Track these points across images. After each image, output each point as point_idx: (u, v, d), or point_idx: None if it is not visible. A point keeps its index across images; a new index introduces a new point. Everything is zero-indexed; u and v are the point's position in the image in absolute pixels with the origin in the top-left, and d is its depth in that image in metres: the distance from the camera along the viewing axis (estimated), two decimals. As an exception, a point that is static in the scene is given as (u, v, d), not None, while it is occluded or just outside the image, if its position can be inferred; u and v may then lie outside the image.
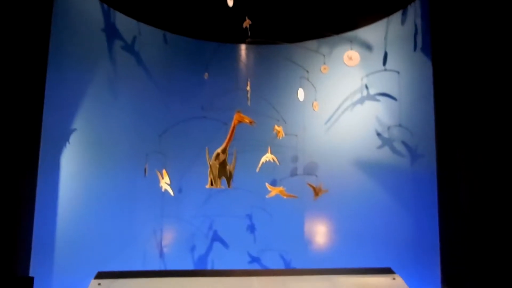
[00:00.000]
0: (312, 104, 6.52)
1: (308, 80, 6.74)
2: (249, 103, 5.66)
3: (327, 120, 7.11)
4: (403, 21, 6.58)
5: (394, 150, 6.57)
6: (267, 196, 6.16)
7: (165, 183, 5.85)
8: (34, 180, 5.31)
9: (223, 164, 5.08)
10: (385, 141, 6.64)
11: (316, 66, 6.86)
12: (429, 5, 5.92)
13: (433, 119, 6.08)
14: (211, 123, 6.55)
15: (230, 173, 5.19)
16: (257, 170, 5.89)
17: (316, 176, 6.69)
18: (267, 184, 6.28)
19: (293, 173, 6.97)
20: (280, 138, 6.08)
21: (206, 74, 6.40)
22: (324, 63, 6.61)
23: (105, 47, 6.53)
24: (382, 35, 6.73)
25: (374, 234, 6.47)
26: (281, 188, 6.24)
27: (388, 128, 6.61)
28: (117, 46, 6.62)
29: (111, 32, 6.56)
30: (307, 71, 6.69)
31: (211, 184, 5.18)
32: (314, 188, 6.38)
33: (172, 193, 5.86)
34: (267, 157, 6.33)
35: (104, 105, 6.43)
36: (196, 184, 6.49)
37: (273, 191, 6.29)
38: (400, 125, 6.50)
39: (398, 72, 6.56)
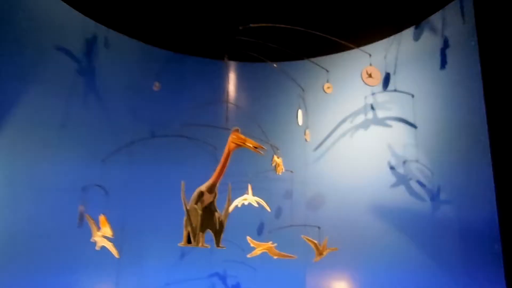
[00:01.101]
0: (304, 132, 5.19)
1: (303, 100, 5.44)
2: (226, 121, 4.21)
3: (316, 147, 5.77)
4: (416, 36, 5.54)
5: (411, 191, 5.31)
6: (248, 256, 4.73)
7: (101, 236, 4.01)
8: None
9: (209, 210, 3.36)
10: (401, 179, 5.37)
11: (314, 84, 5.64)
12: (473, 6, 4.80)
13: (459, 152, 4.99)
14: (188, 145, 4.88)
15: (221, 224, 3.42)
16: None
17: (319, 228, 5.13)
18: (249, 239, 4.77)
19: (287, 221, 5.38)
20: (280, 173, 4.61)
21: (157, 84, 5.22)
22: (328, 81, 5.36)
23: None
24: (391, 51, 5.64)
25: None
26: (269, 244, 4.76)
27: (404, 162, 5.38)
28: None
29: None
30: (303, 90, 5.39)
31: (188, 241, 3.38)
32: (316, 246, 4.87)
33: (116, 254, 4.05)
34: (247, 199, 4.90)
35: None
36: (162, 237, 4.92)
37: (259, 248, 4.78)
38: (417, 161, 5.32)
39: (412, 96, 5.42)
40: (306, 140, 5.30)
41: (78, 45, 5.27)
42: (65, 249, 4.61)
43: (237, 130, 3.31)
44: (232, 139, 3.28)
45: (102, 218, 4.05)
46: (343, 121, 5.79)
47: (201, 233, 3.32)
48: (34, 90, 4.85)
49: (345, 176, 5.68)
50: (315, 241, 4.90)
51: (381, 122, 5.61)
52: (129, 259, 4.68)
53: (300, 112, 5.11)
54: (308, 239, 4.91)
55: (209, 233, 3.38)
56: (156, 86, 5.27)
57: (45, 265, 4.56)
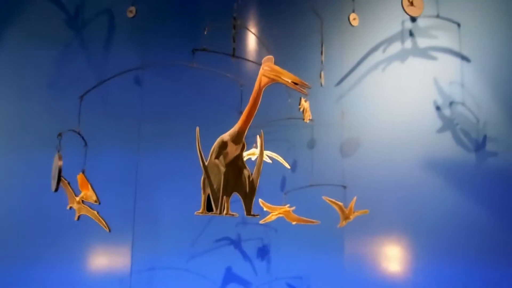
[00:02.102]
0: (320, 75, 4.39)
1: (322, 34, 4.60)
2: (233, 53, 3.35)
3: (339, 82, 5.00)
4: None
5: (458, 139, 4.78)
6: (261, 222, 4.12)
7: (80, 202, 3.17)
8: None
9: (235, 166, 2.55)
10: (447, 123, 4.80)
11: (338, 15, 4.81)
12: None
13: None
14: (205, 80, 3.95)
15: (252, 184, 2.57)
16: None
17: (345, 187, 4.45)
18: (262, 202, 4.08)
19: (307, 181, 4.59)
20: (308, 121, 3.85)
21: (131, 9, 4.42)
22: (354, 11, 4.53)
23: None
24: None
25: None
26: (286, 207, 4.12)
27: (450, 104, 4.81)
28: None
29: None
30: (322, 21, 4.54)
31: (208, 208, 2.59)
32: (341, 208, 4.25)
33: (105, 227, 3.23)
34: (255, 153, 4.19)
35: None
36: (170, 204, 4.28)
37: (273, 213, 4.15)
38: (463, 104, 4.77)
39: (459, 25, 4.79)
40: (321, 84, 4.51)
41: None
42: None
43: (270, 59, 2.45)
44: (264, 71, 2.41)
45: (80, 177, 3.12)
46: (373, 50, 5.00)
47: (226, 198, 2.55)
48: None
49: (379, 120, 4.93)
50: (340, 203, 4.27)
51: (423, 52, 4.89)
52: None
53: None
54: (330, 201, 4.27)
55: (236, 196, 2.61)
56: (131, 12, 4.39)
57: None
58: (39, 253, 4.39)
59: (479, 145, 4.70)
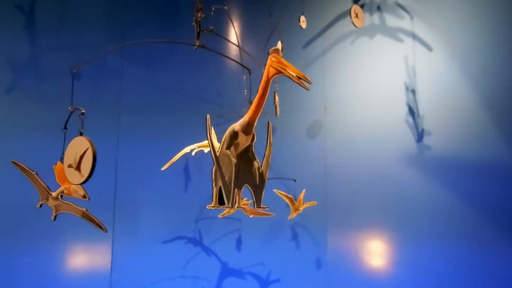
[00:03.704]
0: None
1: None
2: (197, 43, 3.31)
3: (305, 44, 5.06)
4: None
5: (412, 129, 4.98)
6: (220, 216, 4.06)
7: (58, 198, 2.72)
8: None
9: (245, 157, 2.53)
10: (409, 110, 5.02)
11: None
12: None
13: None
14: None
15: (262, 176, 2.57)
16: (164, 167, 4.07)
17: (295, 181, 4.65)
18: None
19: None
20: (278, 115, 3.94)
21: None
22: (302, 13, 4.62)
23: None
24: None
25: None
26: (244, 201, 4.09)
27: (413, 91, 4.98)
28: None
29: None
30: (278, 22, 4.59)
31: (219, 202, 2.56)
32: (291, 200, 4.48)
33: (103, 229, 2.82)
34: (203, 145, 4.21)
35: None
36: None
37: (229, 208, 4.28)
38: (413, 91, 4.98)
39: (411, 17, 5.02)
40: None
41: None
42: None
43: (277, 51, 2.51)
44: (271, 62, 2.50)
45: (59, 167, 2.65)
46: (341, 17, 5.14)
47: (237, 191, 2.52)
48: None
49: (346, 103, 5.13)
50: (290, 196, 4.53)
51: (391, 32, 5.07)
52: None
53: (279, 44, 4.35)
54: (280, 193, 4.51)
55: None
56: None
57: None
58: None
59: (420, 137, 4.91)
